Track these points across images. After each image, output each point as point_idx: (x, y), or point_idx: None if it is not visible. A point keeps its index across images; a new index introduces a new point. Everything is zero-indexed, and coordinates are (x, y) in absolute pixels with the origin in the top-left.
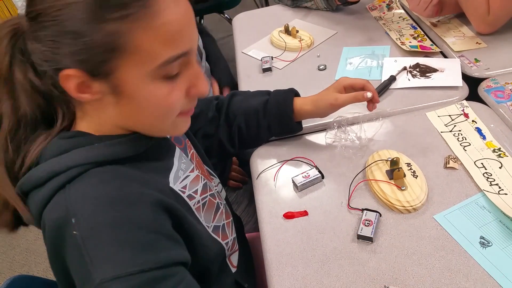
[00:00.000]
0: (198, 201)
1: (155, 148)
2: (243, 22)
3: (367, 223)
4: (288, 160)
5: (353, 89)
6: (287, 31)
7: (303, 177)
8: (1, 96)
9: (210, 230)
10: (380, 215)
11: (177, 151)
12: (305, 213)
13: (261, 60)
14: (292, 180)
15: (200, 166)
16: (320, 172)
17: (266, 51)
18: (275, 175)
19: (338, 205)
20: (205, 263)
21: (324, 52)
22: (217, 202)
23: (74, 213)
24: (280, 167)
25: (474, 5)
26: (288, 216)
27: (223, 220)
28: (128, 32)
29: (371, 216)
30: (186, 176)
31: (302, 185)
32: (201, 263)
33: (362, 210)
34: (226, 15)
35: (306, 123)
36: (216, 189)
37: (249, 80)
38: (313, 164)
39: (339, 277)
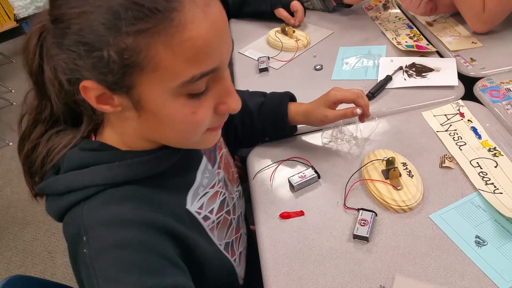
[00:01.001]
0: (213, 221)
1: (179, 163)
2: (240, 22)
3: (363, 223)
4: (284, 160)
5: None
6: (283, 31)
7: (299, 177)
8: (34, 90)
9: (222, 248)
10: (376, 214)
11: (203, 163)
12: (301, 213)
13: (257, 60)
14: (288, 180)
15: (227, 168)
16: (316, 172)
17: (262, 51)
18: (271, 175)
19: (334, 205)
20: (215, 285)
21: (321, 52)
22: (231, 218)
23: (86, 231)
24: (276, 167)
25: (469, 3)
26: (285, 216)
27: (233, 236)
28: (147, 47)
29: (367, 215)
30: (205, 193)
31: (299, 185)
32: (211, 285)
33: (358, 209)
34: None
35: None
36: (236, 195)
37: (246, 81)
38: (309, 164)
39: (335, 277)
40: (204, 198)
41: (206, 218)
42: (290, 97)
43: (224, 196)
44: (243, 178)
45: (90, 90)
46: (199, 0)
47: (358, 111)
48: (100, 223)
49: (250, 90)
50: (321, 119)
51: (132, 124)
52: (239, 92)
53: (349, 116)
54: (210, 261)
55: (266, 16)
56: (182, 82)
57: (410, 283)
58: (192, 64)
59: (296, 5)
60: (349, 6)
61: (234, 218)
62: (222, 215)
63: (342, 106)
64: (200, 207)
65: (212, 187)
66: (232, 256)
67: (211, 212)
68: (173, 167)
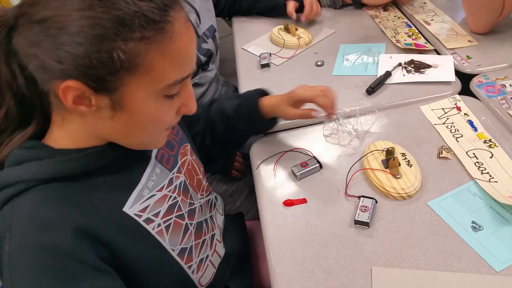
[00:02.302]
0: (159, 224)
1: (121, 162)
2: (244, 20)
3: (364, 209)
4: (287, 151)
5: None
6: (286, 29)
7: (301, 166)
8: None
9: (174, 254)
10: (376, 201)
11: (151, 165)
12: (304, 201)
13: (259, 56)
14: (291, 169)
15: (191, 175)
16: (318, 162)
17: (265, 48)
18: (275, 165)
19: (335, 193)
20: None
21: (322, 50)
22: (186, 223)
23: (10, 228)
24: (280, 157)
25: (490, 7)
26: (288, 203)
27: (192, 242)
28: (145, 53)
29: (368, 202)
30: (151, 195)
31: (301, 174)
32: None
33: (359, 197)
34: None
35: None
36: (199, 202)
37: (249, 76)
38: (311, 155)
39: (337, 259)
40: (150, 201)
41: (148, 220)
42: (262, 93)
43: (175, 200)
44: (245, 173)
45: (71, 90)
46: (182, 18)
47: (314, 114)
48: (23, 222)
49: (253, 85)
50: (283, 116)
51: (95, 123)
52: (219, 98)
53: (308, 117)
54: (148, 266)
55: (276, 11)
56: (166, 85)
57: (387, 272)
58: (176, 70)
59: None
60: (362, 6)
61: (191, 223)
62: (171, 218)
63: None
64: (143, 210)
65: (160, 190)
66: (188, 262)
67: (156, 215)
68: (115, 165)
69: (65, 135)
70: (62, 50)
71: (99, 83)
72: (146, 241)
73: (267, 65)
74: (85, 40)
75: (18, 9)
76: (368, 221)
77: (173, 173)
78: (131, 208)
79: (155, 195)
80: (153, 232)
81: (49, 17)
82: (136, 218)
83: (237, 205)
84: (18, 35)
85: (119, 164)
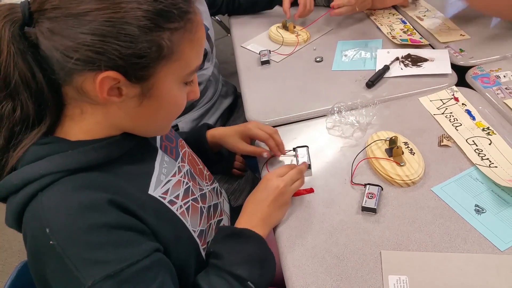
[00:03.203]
0: (181, 206)
1: (135, 151)
2: (242, 18)
3: (371, 196)
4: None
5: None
6: (284, 26)
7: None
8: (1, 95)
9: (195, 235)
10: (382, 188)
11: (159, 155)
12: (311, 190)
13: (259, 53)
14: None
15: (193, 164)
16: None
17: (264, 46)
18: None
19: (342, 182)
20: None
21: (320, 46)
22: (200, 206)
23: (48, 223)
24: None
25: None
26: (295, 193)
27: (206, 225)
28: (178, 41)
29: (374, 189)
30: (168, 180)
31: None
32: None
33: (365, 185)
34: (217, 17)
35: (306, 110)
36: (207, 189)
37: (249, 73)
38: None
39: (346, 245)
40: (169, 185)
41: (172, 202)
42: (208, 126)
43: (188, 185)
44: (245, 169)
45: (108, 81)
46: (198, 9)
47: (265, 155)
48: (61, 212)
49: (254, 82)
50: (232, 148)
51: (118, 112)
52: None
53: (258, 156)
54: (176, 248)
55: (276, 1)
56: (190, 71)
57: (396, 255)
58: (197, 57)
59: None
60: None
61: (204, 207)
62: (189, 201)
63: None
64: (165, 192)
65: (174, 175)
66: (203, 244)
67: (176, 197)
68: (129, 155)
69: (80, 128)
70: (105, 41)
71: (137, 73)
72: (173, 222)
73: (267, 62)
74: (131, 31)
75: (35, 4)
76: (375, 207)
77: (179, 163)
78: (155, 191)
79: (171, 180)
80: (178, 213)
81: (88, 10)
82: (161, 200)
83: (239, 201)
84: (41, 27)
85: (134, 154)
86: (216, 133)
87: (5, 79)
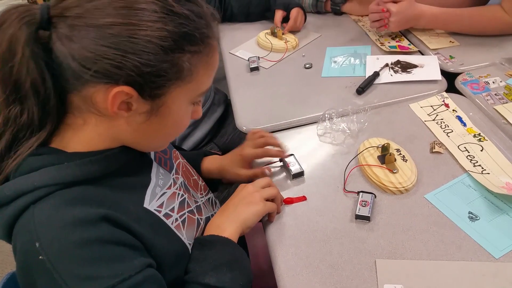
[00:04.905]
0: (176, 219)
1: (132, 164)
2: (231, 25)
3: (364, 204)
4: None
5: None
6: (273, 33)
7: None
8: (10, 98)
9: (191, 248)
10: (375, 196)
11: (154, 166)
12: (303, 198)
13: (248, 60)
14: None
15: (187, 176)
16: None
17: (253, 52)
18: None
19: (334, 189)
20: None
21: (309, 53)
22: (197, 218)
23: (38, 237)
24: (270, 163)
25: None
26: (288, 201)
27: None
28: (196, 64)
29: (367, 197)
30: (163, 192)
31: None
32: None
33: (358, 192)
34: None
35: (296, 117)
36: (201, 200)
37: (239, 79)
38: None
39: (341, 254)
40: (164, 198)
41: (167, 215)
42: (205, 153)
43: (183, 197)
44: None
45: (122, 96)
46: (216, 34)
47: (267, 171)
48: (53, 226)
49: (244, 88)
50: (235, 178)
51: (123, 126)
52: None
53: (260, 176)
54: (170, 261)
55: (270, 13)
56: (200, 93)
57: (391, 264)
58: (209, 79)
59: (293, 12)
60: (341, 13)
61: (201, 218)
62: (184, 213)
63: None
64: (160, 205)
65: (169, 188)
66: None
67: (172, 210)
68: (125, 168)
69: (79, 138)
70: (126, 57)
71: (152, 91)
72: (168, 236)
73: (256, 69)
74: (153, 50)
75: (57, 9)
76: (369, 215)
77: (173, 174)
78: (150, 204)
79: (166, 192)
80: (172, 227)
81: (112, 24)
82: (156, 213)
83: None
84: (58, 33)
85: (130, 166)
86: (213, 168)
87: (15, 82)
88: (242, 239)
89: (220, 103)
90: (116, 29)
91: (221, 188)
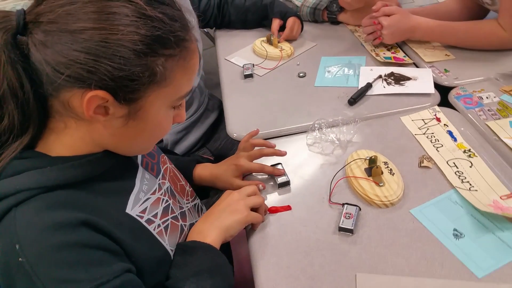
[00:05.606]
0: (159, 225)
1: (116, 168)
2: (227, 31)
3: (348, 216)
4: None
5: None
6: (269, 41)
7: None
8: None
9: (173, 254)
10: (360, 209)
11: (140, 171)
12: (288, 208)
13: (242, 67)
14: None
15: (173, 181)
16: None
17: (248, 59)
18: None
19: (320, 200)
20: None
21: (304, 62)
22: (181, 224)
23: (18, 239)
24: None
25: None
26: (272, 210)
27: None
28: (171, 68)
29: (351, 209)
30: (147, 198)
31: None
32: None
33: (343, 204)
34: (205, 29)
35: (287, 126)
36: (187, 206)
37: (232, 86)
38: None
39: (322, 265)
40: (147, 203)
41: (150, 221)
42: (197, 160)
43: (167, 203)
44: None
45: (96, 100)
46: (193, 36)
47: (260, 187)
48: (33, 229)
49: (237, 95)
50: (227, 187)
51: (102, 131)
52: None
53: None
54: (150, 267)
55: (267, 22)
56: (179, 97)
57: (371, 278)
58: (188, 83)
59: (289, 21)
60: (338, 23)
61: (185, 225)
62: (168, 219)
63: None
64: (143, 211)
65: (153, 193)
66: None
67: (155, 216)
68: (109, 172)
69: (62, 142)
70: (98, 61)
71: (127, 95)
72: (150, 242)
73: (250, 76)
74: (125, 54)
75: (31, 15)
76: (352, 228)
77: (159, 180)
78: (132, 209)
79: (150, 198)
80: (154, 233)
81: (84, 28)
82: (138, 219)
83: None
84: (33, 39)
85: (114, 171)
86: (205, 175)
87: None
88: (226, 247)
89: (214, 108)
90: (88, 33)
91: (211, 193)
